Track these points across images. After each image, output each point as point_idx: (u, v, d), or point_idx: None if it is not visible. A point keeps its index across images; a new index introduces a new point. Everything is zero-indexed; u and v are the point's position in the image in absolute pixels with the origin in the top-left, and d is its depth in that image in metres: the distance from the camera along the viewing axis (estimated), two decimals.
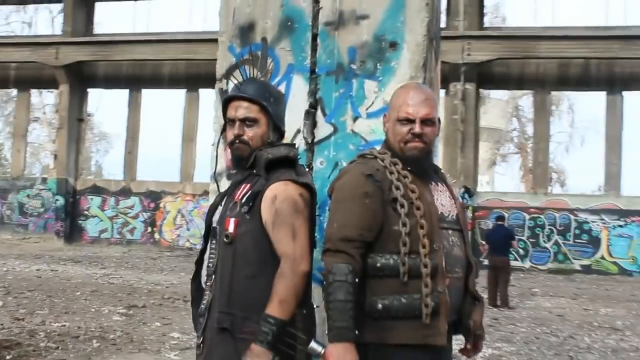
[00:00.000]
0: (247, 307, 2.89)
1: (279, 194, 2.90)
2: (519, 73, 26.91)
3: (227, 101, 3.17)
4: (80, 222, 28.28)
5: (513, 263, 16.93)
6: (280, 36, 3.99)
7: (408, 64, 3.84)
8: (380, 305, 2.87)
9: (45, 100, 42.20)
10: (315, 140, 3.85)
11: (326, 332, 2.91)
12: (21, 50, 28.89)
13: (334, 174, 3.74)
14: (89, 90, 30.15)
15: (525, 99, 40.25)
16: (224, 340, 2.91)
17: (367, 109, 3.84)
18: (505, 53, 25.38)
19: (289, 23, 3.97)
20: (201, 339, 3.04)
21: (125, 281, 15.81)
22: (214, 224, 3.11)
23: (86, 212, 28.38)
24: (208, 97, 30.40)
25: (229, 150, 3.60)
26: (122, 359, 7.85)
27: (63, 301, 11.86)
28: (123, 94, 29.41)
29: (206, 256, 3.16)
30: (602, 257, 25.53)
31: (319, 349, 2.85)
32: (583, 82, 27.12)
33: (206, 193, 23.79)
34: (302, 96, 3.84)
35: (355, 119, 3.85)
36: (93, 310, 11.09)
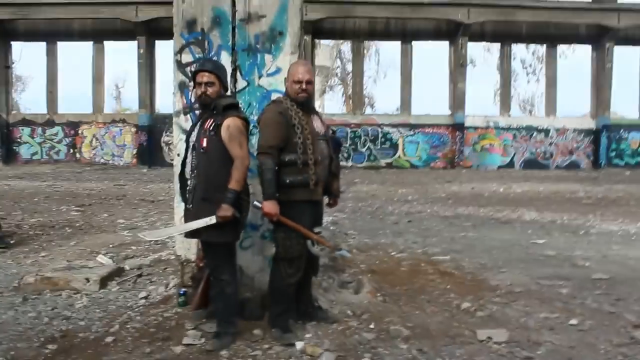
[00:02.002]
0: (217, 187, 3.73)
1: (230, 124, 3.77)
2: (341, 27, 27.56)
3: (195, 72, 4.00)
4: (14, 147, 26.88)
5: (341, 163, 17.93)
6: (212, 27, 4.73)
7: (289, 45, 4.76)
8: (287, 180, 3.85)
9: None
10: (237, 90, 4.77)
11: (258, 201, 3.92)
12: None
13: (248, 110, 4.69)
14: (12, 43, 28.18)
15: (345, 45, 40.55)
16: (204, 205, 3.78)
17: (266, 72, 4.75)
18: (332, 13, 25.93)
19: (218, 19, 4.71)
20: (190, 205, 3.90)
21: (67, 189, 15.32)
22: (192, 142, 3.93)
23: (19, 140, 26.97)
24: (111, 47, 29.19)
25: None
26: (92, 237, 8.00)
27: (28, 205, 11.55)
28: (41, 46, 27.71)
29: (188, 160, 3.93)
30: (399, 157, 26.68)
31: (259, 204, 3.88)
32: (385, 34, 27.94)
33: (114, 121, 23.35)
34: (227, 64, 4.62)
35: (260, 77, 4.75)
36: (54, 209, 10.97)
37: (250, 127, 4.08)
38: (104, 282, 5.35)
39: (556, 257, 6.82)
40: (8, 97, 27.65)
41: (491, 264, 6.37)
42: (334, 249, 4.54)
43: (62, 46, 27.99)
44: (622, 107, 34.49)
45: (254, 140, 4.23)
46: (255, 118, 4.30)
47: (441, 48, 28.10)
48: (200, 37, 4.77)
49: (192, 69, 4.60)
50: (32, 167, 25.24)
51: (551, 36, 27.76)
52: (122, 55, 75.44)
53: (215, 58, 4.67)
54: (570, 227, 9.23)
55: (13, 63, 29.27)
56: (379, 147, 26.86)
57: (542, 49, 31.61)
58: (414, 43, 27.68)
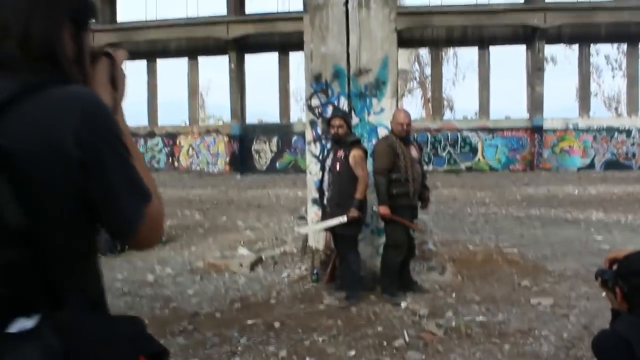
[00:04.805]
0: (347, 196, 5.61)
1: (355, 154, 5.66)
2: (420, 36, 28.82)
3: (331, 118, 5.92)
4: None
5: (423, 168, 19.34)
6: (333, 79, 6.65)
7: (390, 90, 6.61)
8: (394, 191, 5.70)
9: None
10: (352, 125, 6.67)
11: (377, 205, 5.80)
12: None
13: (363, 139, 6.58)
14: None
15: (423, 49, 41.58)
16: (339, 209, 5.67)
17: (373, 111, 6.64)
18: (411, 24, 26.86)
19: (337, 74, 6.63)
20: (328, 209, 5.84)
21: (178, 195, 17.27)
22: (328, 166, 5.87)
23: None
24: (206, 62, 31.52)
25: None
26: (222, 235, 10.00)
27: None
28: (142, 64, 30.88)
29: (325, 178, 5.85)
30: (479, 160, 27.85)
31: (375, 208, 5.77)
32: (462, 41, 29.34)
33: (208, 132, 25.68)
34: (345, 107, 6.56)
35: (368, 115, 6.65)
36: (179, 213, 13.00)
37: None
38: (252, 266, 7.38)
39: (609, 250, 8.31)
40: None
41: (551, 255, 7.95)
42: (426, 231, 6.36)
43: (160, 63, 31.06)
44: None
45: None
46: (367, 145, 6.19)
47: (519, 51, 29.11)
48: (324, 87, 6.70)
49: (319, 111, 6.58)
50: None
51: (632, 35, 28.19)
52: (206, 67, 79.42)
53: (335, 102, 6.60)
54: (631, 226, 10.56)
55: None
56: (458, 151, 28.11)
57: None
58: (491, 48, 28.87)
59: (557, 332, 4.85)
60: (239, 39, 28.55)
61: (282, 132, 29.48)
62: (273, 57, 30.06)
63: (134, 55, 30.61)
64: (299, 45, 29.19)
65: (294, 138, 29.12)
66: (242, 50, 29.24)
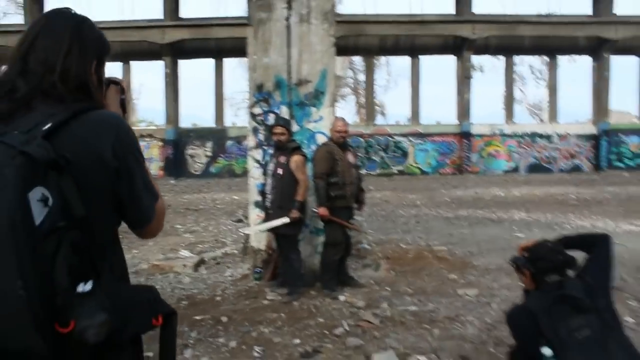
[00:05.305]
0: (289, 199, 6.04)
1: (296, 159, 6.07)
2: (354, 44, 29.60)
3: (273, 126, 6.33)
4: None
5: None
6: (274, 89, 7.05)
7: (328, 100, 7.07)
8: (333, 194, 6.17)
9: None
10: (293, 132, 7.09)
11: (316, 207, 6.25)
12: None
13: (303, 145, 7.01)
14: None
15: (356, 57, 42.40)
16: (281, 211, 6.09)
17: (313, 119, 7.09)
18: (345, 32, 27.73)
19: (278, 84, 7.04)
20: (271, 211, 6.23)
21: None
22: (270, 171, 6.27)
23: None
24: (137, 66, 31.02)
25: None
26: (163, 238, 10.09)
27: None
28: None
29: (268, 182, 6.24)
30: (410, 164, 29.04)
31: (315, 210, 6.22)
32: (395, 50, 30.42)
33: (141, 136, 25.68)
34: (286, 115, 6.99)
35: (308, 123, 7.11)
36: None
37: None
38: (196, 267, 7.68)
39: None
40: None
41: (477, 251, 8.62)
42: (361, 231, 6.86)
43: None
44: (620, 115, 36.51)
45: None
46: (307, 151, 6.63)
47: (449, 60, 30.36)
48: (266, 96, 7.10)
49: (261, 119, 6.98)
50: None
51: (552, 48, 30.01)
52: (137, 70, 77.98)
53: (277, 111, 7.00)
54: (550, 224, 11.43)
55: None
56: (390, 155, 29.21)
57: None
58: (421, 57, 30.06)
59: (480, 317, 5.42)
60: (174, 43, 28.51)
61: (217, 137, 29.64)
62: (208, 62, 30.19)
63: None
64: (234, 51, 29.54)
65: (229, 143, 29.36)
66: (177, 55, 29.21)
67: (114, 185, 1.49)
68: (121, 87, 1.76)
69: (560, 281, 2.93)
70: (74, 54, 1.53)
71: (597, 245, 3.10)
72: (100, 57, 1.62)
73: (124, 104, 1.75)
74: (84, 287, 1.31)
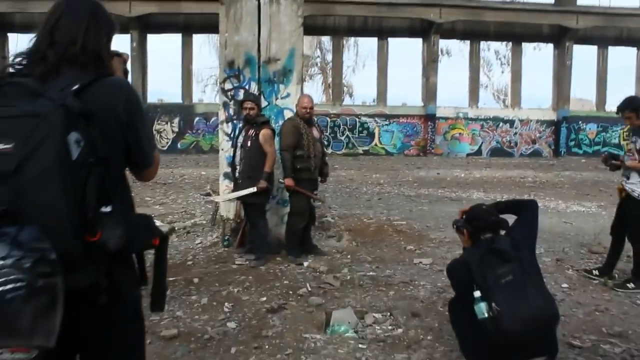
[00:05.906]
0: (257, 170, 6.43)
1: (265, 133, 6.46)
2: (322, 24, 29.83)
3: (243, 100, 6.69)
4: None
5: None
6: (245, 66, 7.40)
7: (295, 78, 7.43)
8: (298, 166, 6.55)
9: None
10: (262, 107, 7.45)
11: (282, 178, 6.66)
12: None
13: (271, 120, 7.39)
14: (9, 35, 30.32)
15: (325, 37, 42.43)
16: (249, 181, 6.48)
17: (281, 96, 7.46)
18: (314, 11, 27.54)
19: (249, 61, 7.37)
20: (240, 181, 6.62)
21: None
22: (240, 143, 6.64)
23: None
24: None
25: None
26: None
27: None
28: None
29: (237, 154, 6.61)
30: (375, 145, 29.48)
31: (282, 181, 6.63)
32: (363, 31, 30.60)
33: None
34: (255, 91, 7.33)
35: (276, 99, 7.46)
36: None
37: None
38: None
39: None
40: None
41: (434, 226, 9.16)
42: (324, 202, 7.30)
43: None
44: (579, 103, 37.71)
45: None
46: (275, 126, 7.02)
47: (416, 43, 30.84)
48: (237, 72, 7.44)
49: (231, 94, 7.33)
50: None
51: (516, 35, 30.73)
52: None
53: (247, 87, 7.35)
54: None
55: (9, 54, 31.40)
56: (356, 135, 29.58)
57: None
58: (389, 39, 30.40)
59: (432, 282, 5.93)
60: (141, 17, 28.35)
61: (184, 112, 29.64)
62: (176, 37, 30.11)
63: (28, 28, 29.60)
64: (202, 27, 29.40)
65: (196, 119, 29.42)
66: (144, 29, 29.06)
67: (124, 134, 1.88)
68: (124, 59, 2.17)
69: (492, 238, 3.42)
70: (91, 31, 1.92)
71: (525, 209, 3.61)
72: (109, 35, 2.01)
73: (126, 72, 2.17)
74: (106, 208, 1.72)
